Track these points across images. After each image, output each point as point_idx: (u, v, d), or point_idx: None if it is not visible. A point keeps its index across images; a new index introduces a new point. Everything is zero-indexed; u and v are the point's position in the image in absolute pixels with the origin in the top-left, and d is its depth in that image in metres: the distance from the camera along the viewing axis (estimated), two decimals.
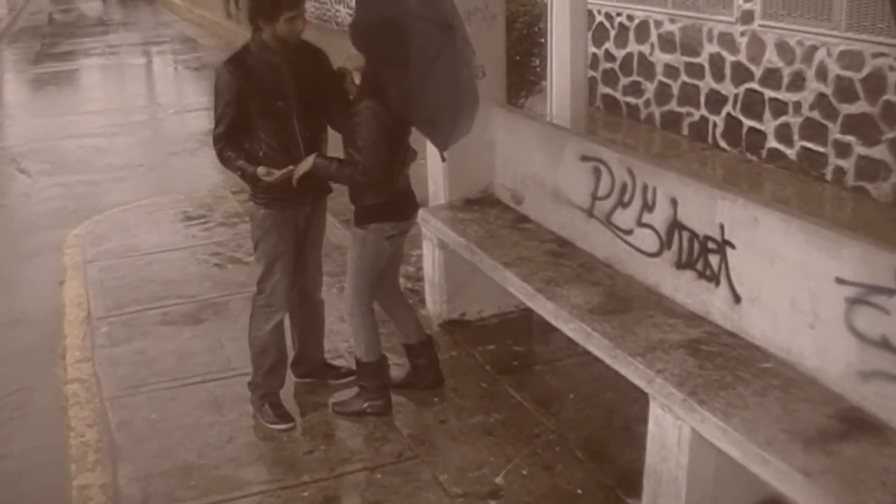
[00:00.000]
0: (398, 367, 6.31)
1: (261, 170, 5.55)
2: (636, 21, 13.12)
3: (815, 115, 10.12)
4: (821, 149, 10.13)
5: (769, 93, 10.73)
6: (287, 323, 6.31)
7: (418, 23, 5.44)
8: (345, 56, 5.64)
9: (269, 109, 5.60)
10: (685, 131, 12.32)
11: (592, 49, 13.51)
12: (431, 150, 6.78)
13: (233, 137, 5.61)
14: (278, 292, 5.94)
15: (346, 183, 5.66)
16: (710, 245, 5.13)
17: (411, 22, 5.43)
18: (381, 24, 5.44)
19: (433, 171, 7.16)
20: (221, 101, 5.57)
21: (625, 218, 5.83)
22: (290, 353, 6.40)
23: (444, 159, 5.91)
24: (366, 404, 6.02)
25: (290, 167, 5.58)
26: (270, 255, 5.85)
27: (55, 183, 12.50)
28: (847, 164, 9.83)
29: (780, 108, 10.59)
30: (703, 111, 11.92)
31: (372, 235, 5.72)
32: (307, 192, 5.82)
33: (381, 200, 5.67)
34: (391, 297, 6.22)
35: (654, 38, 12.77)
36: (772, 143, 10.79)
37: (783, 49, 10.46)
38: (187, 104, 17.22)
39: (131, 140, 15.02)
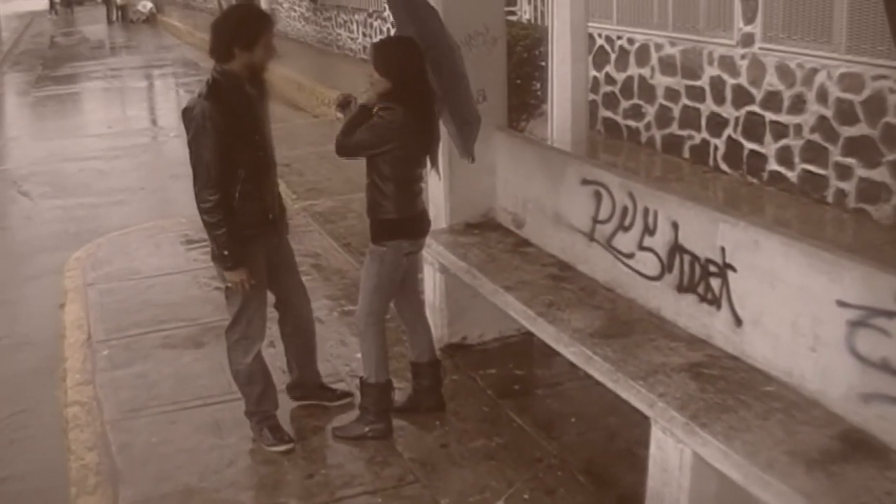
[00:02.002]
0: (399, 391, 6.29)
1: (238, 275, 5.60)
2: (636, 44, 13.15)
3: (816, 137, 10.13)
4: (822, 171, 10.14)
5: (770, 115, 10.75)
6: (280, 349, 6.37)
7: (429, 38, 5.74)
8: (368, 81, 5.68)
9: (249, 144, 5.51)
10: (686, 154, 12.33)
11: (593, 72, 13.54)
12: (431, 176, 6.80)
13: (219, 185, 5.41)
14: (255, 324, 5.88)
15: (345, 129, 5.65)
16: (712, 268, 5.13)
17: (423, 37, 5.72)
18: (402, 43, 5.66)
19: (434, 195, 7.16)
20: (206, 140, 5.32)
21: (626, 241, 5.83)
22: (281, 377, 6.41)
23: (473, 160, 6.23)
24: (367, 428, 6.00)
25: (253, 282, 5.66)
26: (250, 290, 5.75)
27: (56, 206, 12.54)
28: (848, 186, 9.84)
29: (780, 130, 10.61)
30: (704, 134, 11.93)
31: (390, 252, 5.73)
32: (276, 222, 5.85)
33: (401, 216, 5.70)
34: (413, 310, 6.23)
35: (654, 61, 12.80)
36: (773, 165, 10.80)
37: (784, 72, 10.48)
38: None
39: (132, 163, 15.07)
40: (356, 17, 23.17)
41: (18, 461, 6.29)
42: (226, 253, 5.54)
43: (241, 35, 5.42)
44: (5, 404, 6.99)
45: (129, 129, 18.07)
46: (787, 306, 4.65)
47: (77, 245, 10.31)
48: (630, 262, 5.81)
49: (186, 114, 5.39)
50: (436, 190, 7.10)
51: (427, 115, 5.65)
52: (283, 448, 5.94)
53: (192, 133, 5.38)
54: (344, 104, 5.84)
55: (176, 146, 15.77)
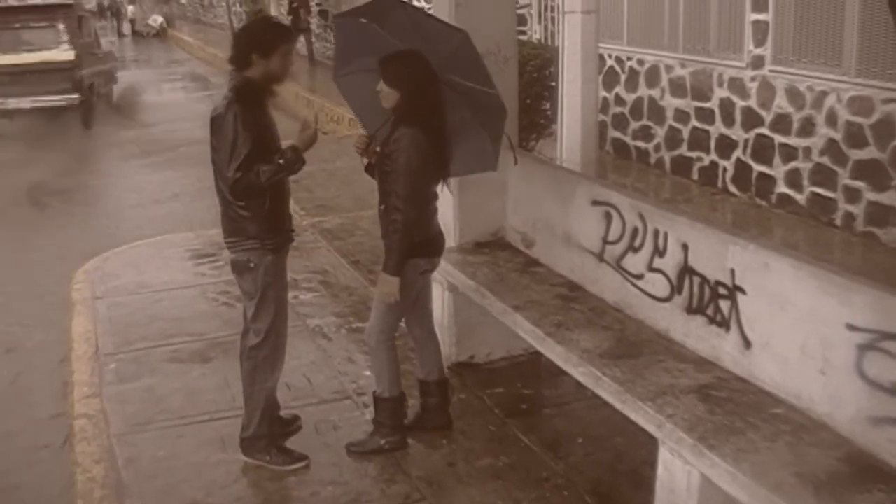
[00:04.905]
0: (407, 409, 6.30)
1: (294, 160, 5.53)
2: (647, 66, 13.18)
3: (825, 160, 10.15)
4: (831, 194, 10.15)
5: (779, 138, 10.76)
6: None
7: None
8: (379, 93, 5.66)
9: (273, 151, 5.55)
10: (695, 176, 12.35)
11: (603, 93, 13.57)
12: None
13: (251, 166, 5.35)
14: (283, 336, 5.90)
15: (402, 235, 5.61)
16: (721, 290, 5.13)
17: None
18: (409, 56, 5.61)
19: (443, 214, 7.12)
20: (238, 139, 5.31)
21: (635, 262, 5.84)
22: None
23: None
24: (383, 441, 6.01)
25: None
26: (279, 301, 5.79)
27: (67, 218, 12.55)
28: (857, 209, 9.85)
29: (790, 153, 10.62)
30: (714, 156, 11.95)
31: (407, 271, 5.71)
32: (292, 231, 5.90)
33: (418, 240, 5.69)
34: (424, 329, 6.23)
35: (664, 82, 12.83)
36: (782, 188, 10.81)
37: (793, 94, 10.50)
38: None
39: (143, 179, 15.08)
40: None
41: (25, 473, 6.30)
42: (281, 161, 5.48)
43: (260, 43, 5.48)
44: (13, 416, 7.00)
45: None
46: (796, 329, 4.65)
47: (85, 258, 10.31)
48: (639, 283, 5.82)
49: (217, 119, 5.40)
50: (445, 209, 7.09)
51: (439, 129, 5.66)
52: (300, 465, 5.91)
53: (225, 136, 5.36)
54: (367, 145, 5.84)
55: (186, 160, 15.82)
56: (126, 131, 19.63)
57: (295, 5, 23.23)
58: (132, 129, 19.84)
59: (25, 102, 18.45)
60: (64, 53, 19.01)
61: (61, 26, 19.22)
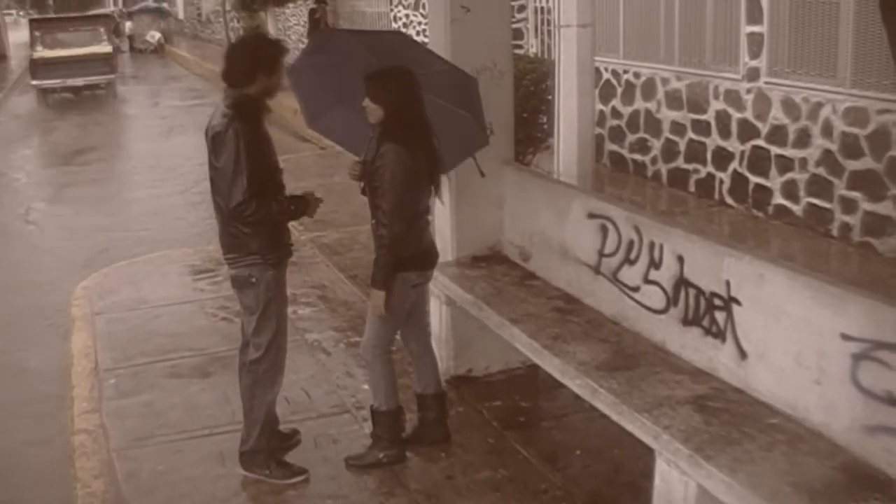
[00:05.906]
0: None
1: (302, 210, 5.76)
2: (643, 78, 13.21)
3: (821, 171, 10.16)
4: (827, 205, 10.16)
5: (775, 149, 10.78)
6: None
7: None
8: (365, 109, 5.69)
9: (271, 166, 5.62)
10: (692, 188, 12.37)
11: (599, 106, 13.58)
12: (438, 208, 6.85)
13: (256, 190, 5.40)
14: (283, 350, 5.92)
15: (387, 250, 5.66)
16: (717, 302, 5.16)
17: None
18: (394, 72, 5.65)
19: (440, 228, 7.18)
20: (241, 157, 5.34)
21: (631, 275, 5.86)
22: None
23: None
24: (381, 454, 6.01)
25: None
26: (280, 315, 5.83)
27: (64, 235, 12.57)
28: (853, 219, 9.86)
29: (786, 164, 10.64)
30: (710, 168, 11.97)
31: (398, 284, 5.74)
32: (291, 246, 5.96)
33: (409, 254, 5.73)
34: (420, 342, 6.26)
35: (660, 95, 12.86)
36: (778, 199, 10.82)
37: (789, 106, 10.52)
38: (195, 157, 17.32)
39: (140, 193, 15.10)
40: None
41: (26, 489, 6.30)
42: (292, 208, 5.73)
43: (266, 60, 5.54)
44: (13, 431, 7.00)
45: (137, 160, 18.15)
46: (791, 339, 4.67)
47: (85, 274, 10.33)
48: (636, 295, 5.84)
49: (218, 137, 5.42)
50: (442, 223, 7.13)
51: (424, 142, 5.70)
52: (300, 478, 5.92)
53: (227, 153, 5.38)
54: (362, 171, 5.87)
55: (184, 177, 15.85)
56: None
57: (317, 16, 23.43)
58: None
59: (79, 81, 27.30)
60: (105, 47, 28.32)
61: (102, 29, 29.27)
